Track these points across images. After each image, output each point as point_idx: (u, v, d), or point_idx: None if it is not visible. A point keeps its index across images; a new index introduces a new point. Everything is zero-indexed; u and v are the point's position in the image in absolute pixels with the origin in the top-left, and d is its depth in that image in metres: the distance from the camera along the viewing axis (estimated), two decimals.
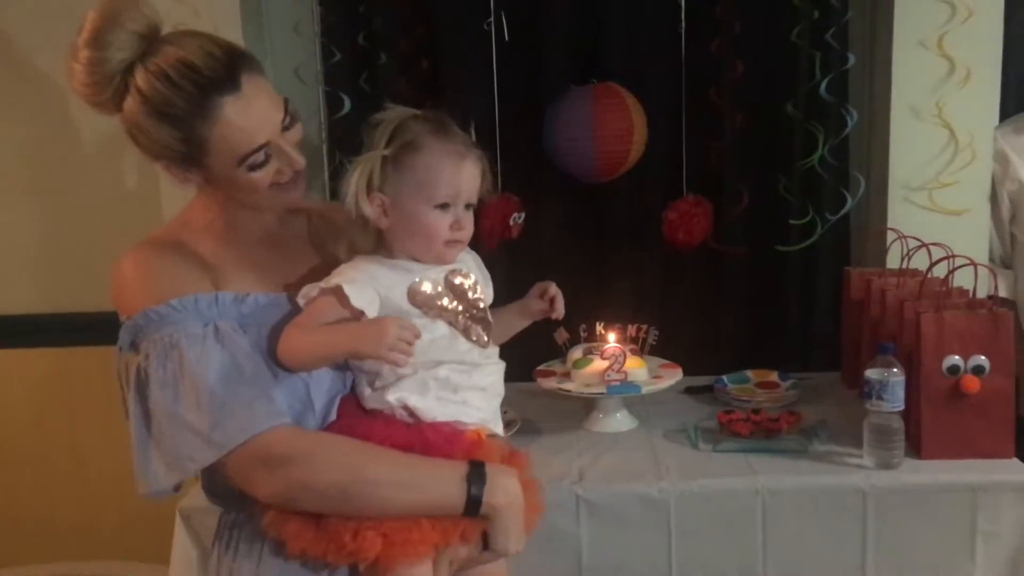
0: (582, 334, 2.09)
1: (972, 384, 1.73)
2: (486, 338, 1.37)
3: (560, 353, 2.11)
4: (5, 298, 2.61)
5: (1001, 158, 2.26)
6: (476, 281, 1.38)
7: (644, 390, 1.97)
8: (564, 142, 2.26)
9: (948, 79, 2.21)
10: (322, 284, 1.28)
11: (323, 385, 1.31)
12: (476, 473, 1.25)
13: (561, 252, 2.50)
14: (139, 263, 1.28)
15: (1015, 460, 1.75)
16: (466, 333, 1.34)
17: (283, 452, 1.21)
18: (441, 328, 1.32)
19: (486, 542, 1.29)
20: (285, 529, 1.24)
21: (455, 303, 1.34)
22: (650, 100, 2.33)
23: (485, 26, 2.31)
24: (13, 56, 2.49)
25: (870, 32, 2.35)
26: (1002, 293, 2.26)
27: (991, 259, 2.31)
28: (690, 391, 2.23)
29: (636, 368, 2.00)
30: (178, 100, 1.21)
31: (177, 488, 1.26)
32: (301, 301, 1.29)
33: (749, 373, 2.29)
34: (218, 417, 1.19)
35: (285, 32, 2.41)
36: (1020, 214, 2.27)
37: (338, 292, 1.26)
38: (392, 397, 1.29)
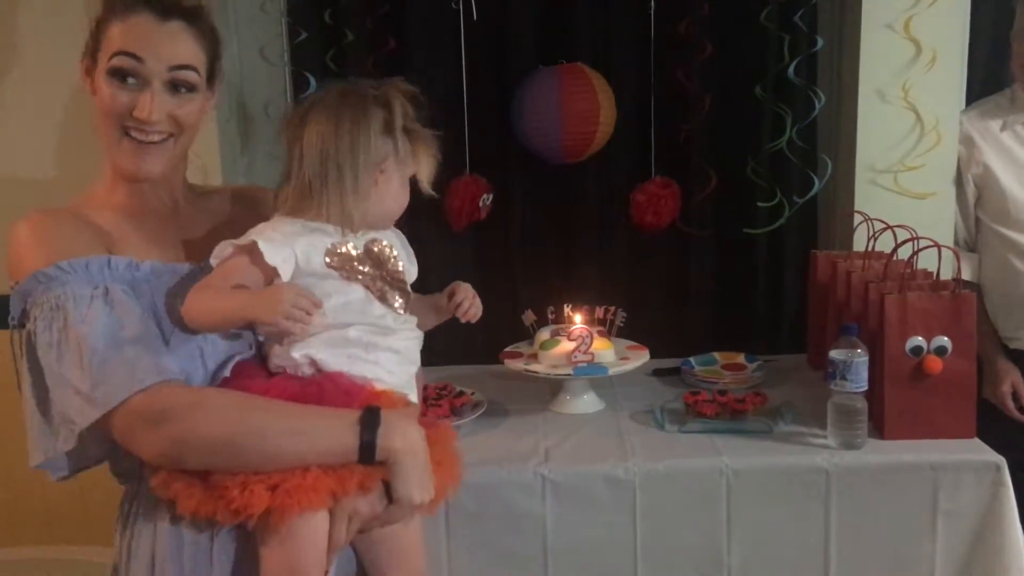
0: (549, 316, 2.09)
1: (935, 365, 1.74)
2: (401, 304, 1.38)
3: (527, 335, 2.11)
4: None
5: (967, 142, 2.28)
6: (396, 252, 1.39)
7: (611, 371, 1.97)
8: (531, 123, 2.25)
9: (914, 62, 2.22)
10: (237, 241, 1.28)
11: (218, 347, 1.30)
12: (370, 417, 1.22)
13: (530, 233, 2.50)
14: (32, 227, 1.28)
15: (976, 440, 1.76)
16: (382, 298, 1.35)
17: (165, 407, 1.18)
18: (356, 291, 1.33)
19: (390, 496, 1.25)
20: (173, 488, 1.21)
21: (374, 269, 1.35)
22: (619, 81, 2.33)
23: (454, 5, 2.31)
24: None
25: (838, 15, 2.36)
26: (967, 276, 2.27)
27: (956, 242, 2.32)
28: (657, 373, 2.24)
29: (603, 350, 1.99)
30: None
31: (75, 471, 1.26)
32: (214, 261, 1.29)
33: (716, 355, 2.29)
34: (100, 376, 1.17)
35: (252, 11, 2.38)
36: (985, 197, 2.29)
37: (252, 249, 1.26)
38: (298, 353, 1.29)
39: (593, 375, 1.97)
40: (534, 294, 2.29)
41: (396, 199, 1.37)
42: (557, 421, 1.96)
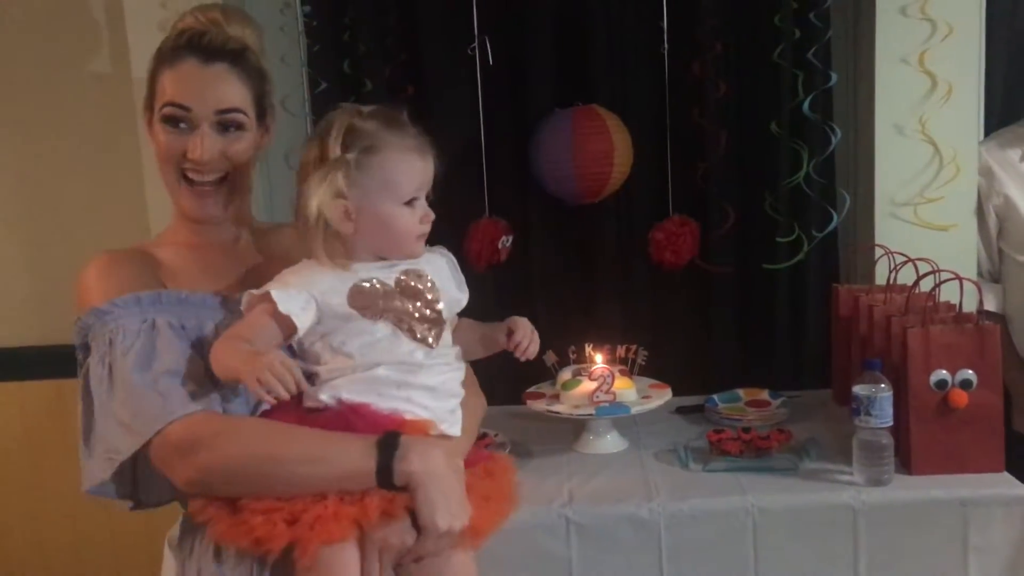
0: (571, 356, 2.09)
1: (960, 398, 1.72)
2: (431, 338, 1.33)
3: (549, 375, 2.11)
4: None
5: (986, 172, 2.27)
6: (432, 281, 1.35)
7: (633, 411, 1.96)
8: (546, 165, 2.27)
9: (930, 95, 2.22)
10: (255, 291, 1.29)
11: None
12: (388, 441, 1.21)
13: (549, 274, 2.50)
14: (97, 268, 1.36)
15: (1005, 474, 1.74)
16: (411, 333, 1.31)
17: (195, 436, 1.20)
18: (382, 329, 1.30)
19: (417, 525, 1.21)
20: (207, 513, 1.22)
21: (406, 303, 1.31)
22: (635, 122, 2.34)
23: (469, 51, 2.34)
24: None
25: (852, 50, 2.37)
26: (992, 307, 2.26)
27: (980, 274, 2.31)
28: (681, 411, 2.23)
29: (625, 389, 1.99)
30: (167, 45, 1.36)
31: (124, 495, 1.29)
32: (243, 309, 1.30)
33: (740, 392, 2.28)
34: (137, 407, 1.21)
35: (272, 63, 2.40)
36: (1007, 228, 2.27)
37: (268, 298, 1.26)
38: (326, 395, 1.28)
39: (615, 415, 1.97)
40: (555, 334, 2.27)
41: (390, 224, 1.31)
42: (580, 461, 1.95)
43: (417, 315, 1.32)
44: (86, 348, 1.30)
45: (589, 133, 2.22)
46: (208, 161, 1.35)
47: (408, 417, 1.29)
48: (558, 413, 1.99)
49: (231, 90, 1.36)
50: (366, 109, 1.32)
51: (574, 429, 2.05)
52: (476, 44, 2.33)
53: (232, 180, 1.40)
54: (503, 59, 2.37)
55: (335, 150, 1.27)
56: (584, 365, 2.07)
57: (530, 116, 2.38)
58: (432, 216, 1.35)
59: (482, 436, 2.04)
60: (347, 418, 1.26)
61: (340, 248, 1.31)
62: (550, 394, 2.08)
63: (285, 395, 1.17)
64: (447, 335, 1.37)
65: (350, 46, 2.37)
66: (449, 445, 1.31)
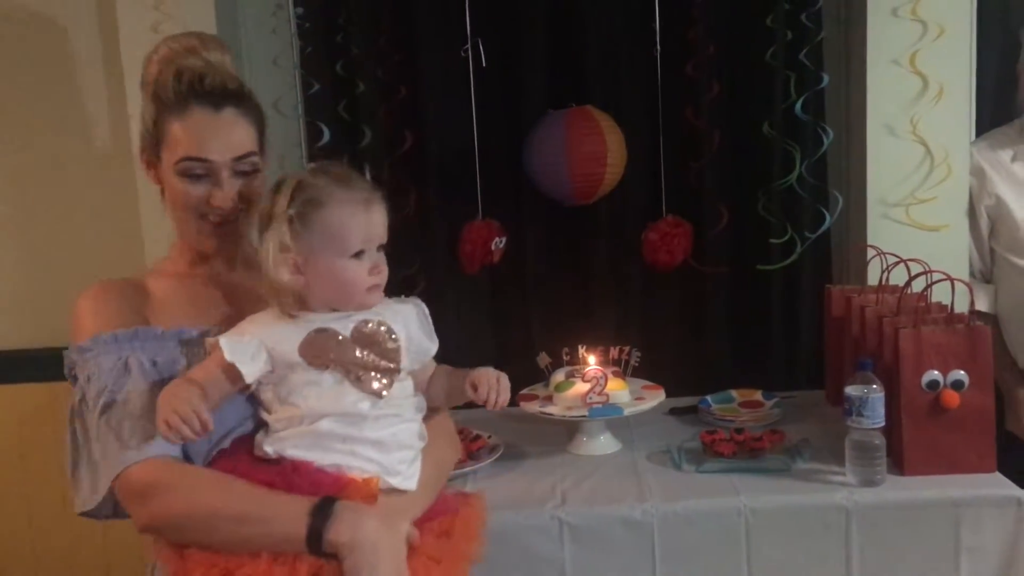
0: (564, 357, 2.09)
1: (952, 399, 1.73)
2: (383, 388, 1.31)
3: (543, 377, 2.11)
4: None
5: (978, 173, 2.28)
6: (391, 330, 1.34)
7: (626, 412, 1.97)
8: (541, 166, 2.27)
9: (922, 96, 2.23)
10: (210, 339, 1.31)
11: (224, 416, 1.29)
12: (321, 507, 1.21)
13: (543, 276, 2.50)
14: (89, 300, 1.38)
15: (997, 474, 1.74)
16: (359, 383, 1.29)
17: (148, 483, 1.24)
18: (328, 379, 1.29)
19: None
20: (160, 553, 1.25)
21: (360, 352, 1.30)
22: (628, 123, 2.34)
23: (462, 52, 2.34)
24: None
25: (844, 51, 2.38)
26: (984, 308, 2.26)
27: (972, 274, 2.31)
28: (674, 412, 2.23)
29: (618, 390, 2.00)
30: (170, 92, 1.35)
31: (113, 515, 1.31)
32: (207, 350, 1.32)
33: (733, 393, 2.29)
34: (104, 449, 1.25)
35: (265, 64, 2.43)
36: (998, 228, 2.28)
37: (215, 346, 1.28)
38: (270, 448, 1.28)
39: (609, 416, 1.97)
40: (548, 336, 2.29)
41: (338, 277, 1.30)
42: (574, 463, 1.95)
43: (370, 364, 1.31)
44: (75, 378, 1.33)
45: (583, 134, 2.22)
46: (232, 205, 1.37)
47: (354, 473, 1.28)
48: (551, 415, 1.99)
49: (244, 135, 1.38)
50: (319, 166, 1.36)
51: (567, 430, 2.05)
52: (469, 46, 2.33)
53: (245, 214, 1.39)
54: (496, 61, 2.36)
55: (281, 205, 1.28)
56: (577, 366, 2.07)
57: (524, 117, 2.39)
58: (384, 268, 1.33)
59: (475, 438, 2.05)
60: (288, 476, 1.26)
61: (292, 300, 1.31)
62: (543, 395, 2.08)
63: (191, 437, 1.19)
64: (403, 386, 1.36)
65: (343, 48, 2.37)
66: (395, 505, 1.29)
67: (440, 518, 1.35)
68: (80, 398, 1.30)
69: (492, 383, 1.40)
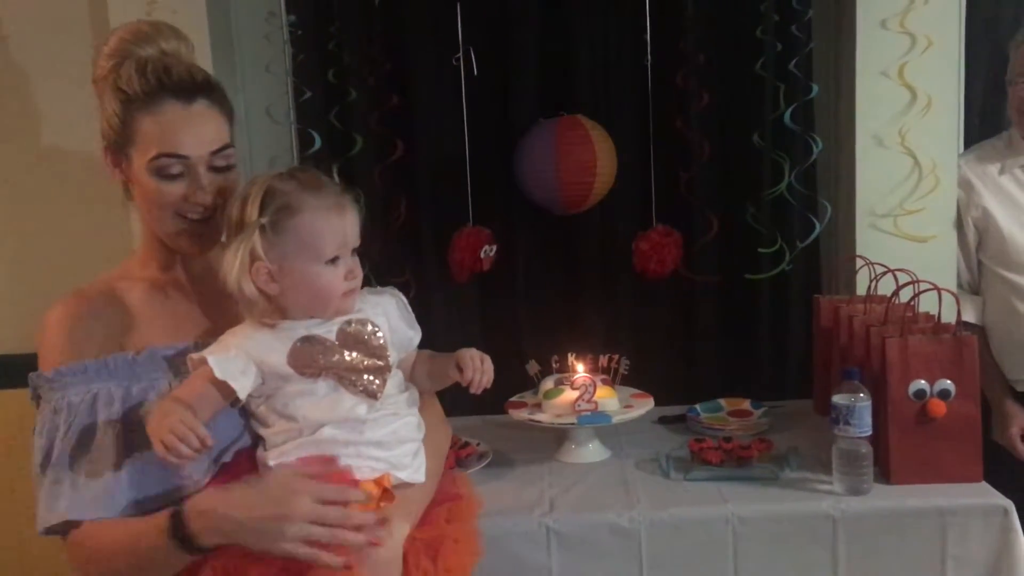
0: (554, 365, 2.10)
1: (938, 408, 1.74)
2: (376, 388, 1.31)
3: (532, 384, 2.11)
4: None
5: (966, 185, 2.29)
6: (375, 326, 1.33)
7: (615, 420, 1.97)
8: (531, 174, 2.28)
9: (910, 108, 2.25)
10: (194, 355, 1.28)
11: (220, 430, 1.27)
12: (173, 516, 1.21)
13: (533, 284, 2.51)
14: (60, 317, 1.32)
15: (983, 484, 1.75)
16: (353, 386, 1.29)
17: (77, 548, 1.25)
18: (322, 387, 1.28)
19: None
20: None
21: (349, 354, 1.30)
22: (619, 132, 2.36)
23: (454, 61, 2.35)
24: None
25: (833, 62, 2.39)
26: (971, 319, 2.27)
27: (960, 285, 2.33)
28: (663, 420, 2.23)
29: (607, 398, 2.00)
30: (136, 86, 1.30)
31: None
32: (190, 368, 1.29)
33: (722, 402, 2.29)
34: (55, 491, 1.24)
35: (257, 71, 2.43)
36: (985, 240, 2.29)
37: (206, 362, 1.24)
38: (273, 461, 1.27)
39: (597, 424, 1.97)
40: (538, 344, 2.30)
41: (314, 284, 1.28)
42: (562, 470, 1.95)
43: (361, 365, 1.30)
44: (39, 398, 1.31)
45: (573, 143, 2.23)
46: (212, 200, 1.33)
47: (363, 473, 1.28)
48: (540, 422, 1.99)
49: (216, 126, 1.34)
50: (286, 171, 1.32)
51: (556, 438, 2.05)
52: (461, 54, 2.34)
53: (222, 210, 1.35)
54: (488, 69, 2.38)
55: (252, 213, 1.25)
56: (566, 374, 2.07)
57: (514, 126, 2.40)
58: (359, 271, 1.32)
59: (464, 445, 2.05)
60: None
61: (267, 309, 1.29)
62: (532, 403, 2.08)
63: (190, 455, 1.17)
64: (395, 381, 1.36)
65: (335, 56, 2.37)
66: (411, 497, 1.33)
67: (447, 503, 1.37)
68: (41, 432, 1.27)
69: (477, 365, 1.41)
